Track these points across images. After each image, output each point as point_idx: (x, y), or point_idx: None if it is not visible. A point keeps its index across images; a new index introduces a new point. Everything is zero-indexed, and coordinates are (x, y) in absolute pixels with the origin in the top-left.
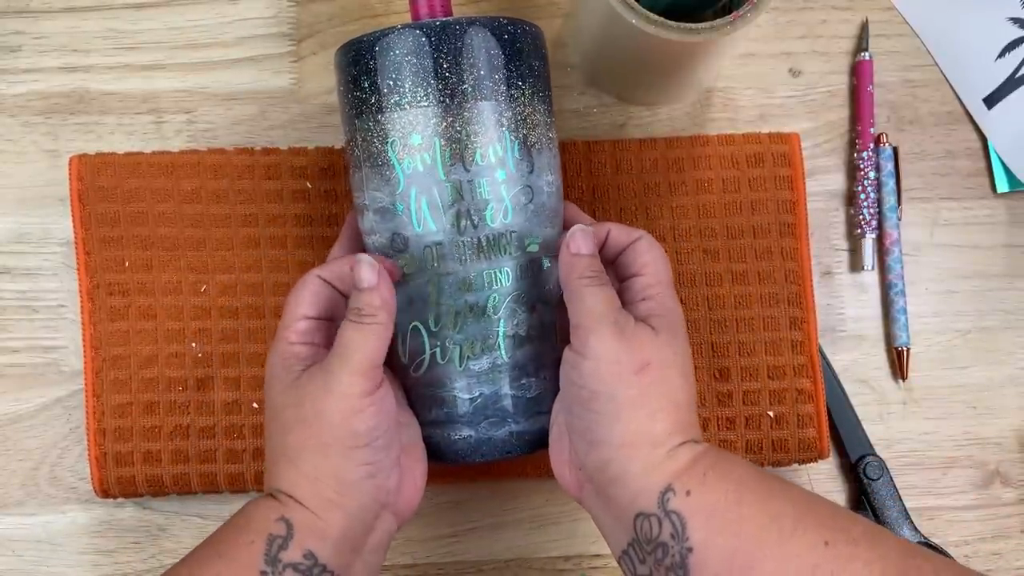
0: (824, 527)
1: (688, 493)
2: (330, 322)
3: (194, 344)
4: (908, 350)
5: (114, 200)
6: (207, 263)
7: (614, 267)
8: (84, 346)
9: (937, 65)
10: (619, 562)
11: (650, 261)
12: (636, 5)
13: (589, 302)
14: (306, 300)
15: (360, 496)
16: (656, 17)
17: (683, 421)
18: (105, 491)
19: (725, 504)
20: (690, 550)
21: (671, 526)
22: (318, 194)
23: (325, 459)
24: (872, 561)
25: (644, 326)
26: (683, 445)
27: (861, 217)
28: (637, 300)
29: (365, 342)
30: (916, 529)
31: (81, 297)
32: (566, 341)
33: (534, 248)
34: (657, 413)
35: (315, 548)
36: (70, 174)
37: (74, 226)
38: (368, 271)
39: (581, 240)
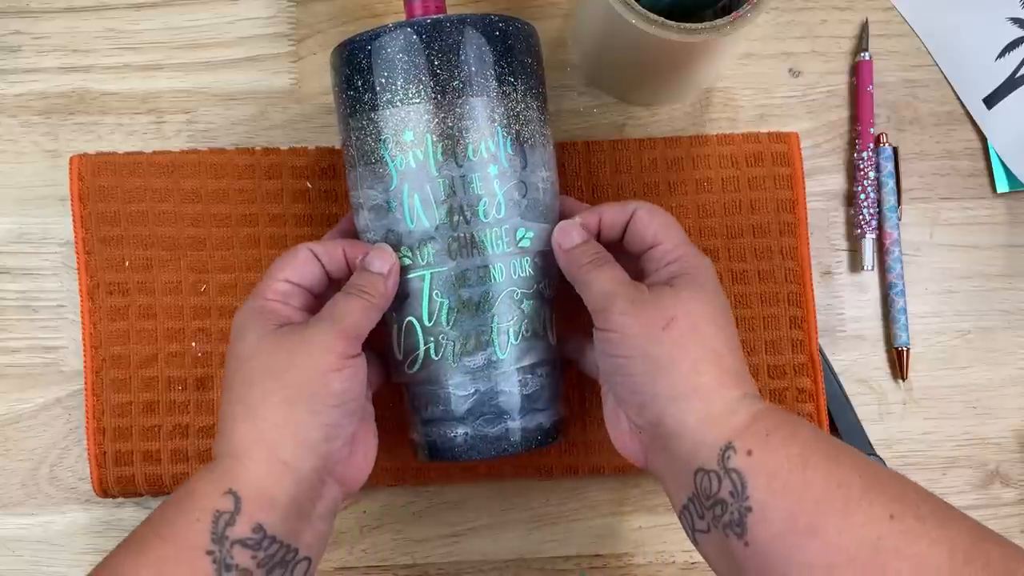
0: (892, 500)
1: (749, 452)
2: (309, 293)
3: (194, 343)
4: (908, 350)
5: (114, 200)
6: (207, 263)
7: (624, 244)
8: (84, 346)
9: (937, 65)
10: (680, 517)
11: (660, 227)
12: (636, 5)
13: (596, 285)
14: (291, 266)
15: (313, 459)
16: (656, 17)
17: (730, 371)
18: (105, 491)
19: (789, 467)
20: (749, 509)
21: (731, 484)
22: (318, 194)
23: (288, 414)
24: (939, 540)
25: (662, 287)
26: (743, 400)
27: (861, 217)
28: (662, 267)
29: (356, 310)
30: None
31: (81, 297)
32: (559, 338)
33: (527, 244)
34: (699, 364)
35: (264, 520)
36: (70, 174)
37: (74, 226)
38: (383, 259)
39: (572, 232)
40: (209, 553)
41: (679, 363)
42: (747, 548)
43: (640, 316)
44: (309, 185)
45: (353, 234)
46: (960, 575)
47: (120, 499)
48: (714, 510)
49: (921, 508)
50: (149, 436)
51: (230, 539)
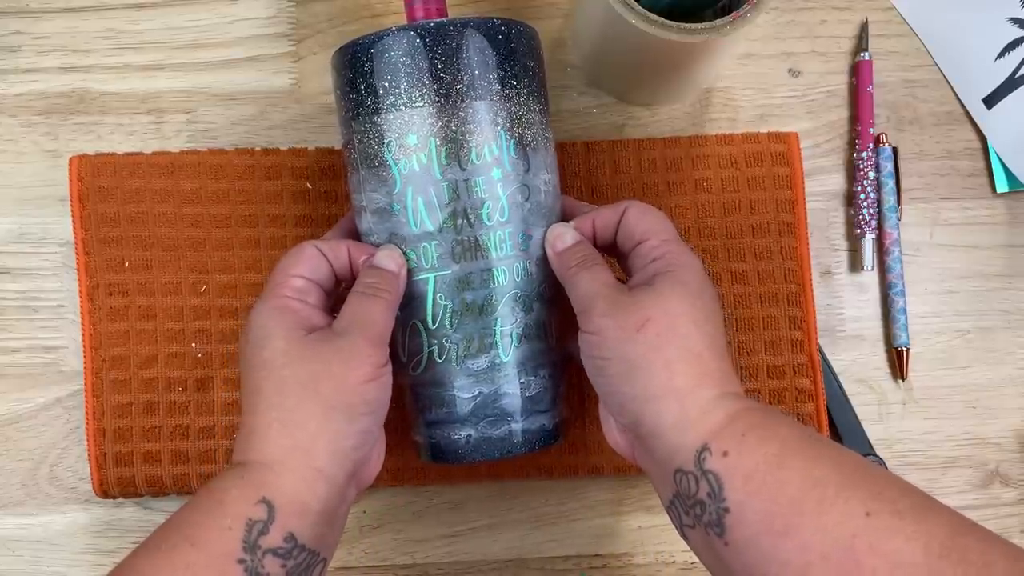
0: (869, 497)
1: (725, 454)
2: (322, 290)
3: (194, 344)
4: (908, 350)
5: (114, 200)
6: (207, 263)
7: (617, 244)
8: (84, 346)
9: (937, 65)
10: (668, 513)
11: (648, 226)
12: (636, 5)
13: (581, 286)
14: (301, 262)
15: (345, 465)
16: (656, 17)
17: (709, 371)
18: (105, 492)
19: (766, 467)
20: (726, 510)
21: (708, 486)
22: (318, 195)
23: (326, 424)
24: (915, 536)
25: (642, 287)
26: (720, 399)
27: (861, 217)
28: (647, 263)
29: (378, 312)
30: None
31: (81, 298)
32: (562, 340)
33: (529, 247)
34: (674, 364)
35: (296, 529)
36: (70, 174)
37: (74, 226)
38: (393, 258)
39: (565, 234)
40: (240, 562)
41: (653, 364)
42: (727, 547)
43: (617, 318)
44: (309, 186)
45: (354, 234)
46: (936, 569)
47: (120, 499)
48: (695, 510)
49: (900, 504)
50: (149, 437)
51: (262, 548)
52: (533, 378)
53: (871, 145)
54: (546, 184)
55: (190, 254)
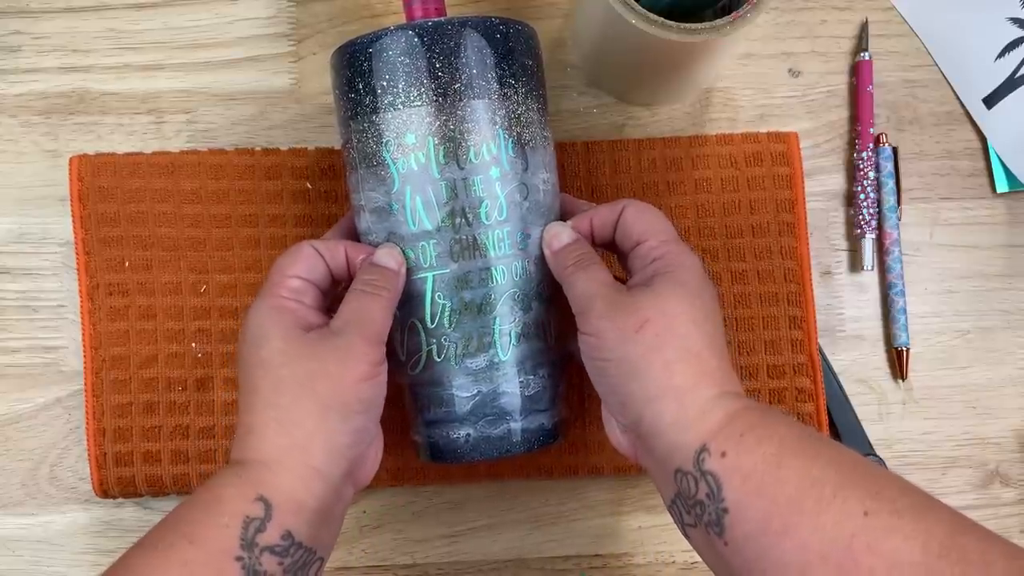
0: (867, 496)
1: (724, 454)
2: (318, 290)
3: (194, 344)
4: (908, 350)
5: (114, 200)
6: (207, 263)
7: (616, 244)
8: (84, 346)
9: (937, 65)
10: (669, 512)
11: (647, 226)
12: (636, 5)
13: (578, 286)
14: (298, 262)
15: (341, 463)
16: (656, 17)
17: (709, 371)
18: (105, 491)
19: (764, 467)
20: (725, 511)
21: (707, 486)
22: (318, 195)
23: (321, 422)
24: (913, 535)
25: (640, 288)
26: (719, 399)
27: (861, 217)
28: (647, 264)
29: (377, 310)
30: None
31: (81, 297)
32: (560, 339)
33: (528, 246)
34: (673, 364)
35: (293, 526)
36: (70, 174)
37: (74, 226)
38: (393, 256)
39: (560, 234)
40: (238, 559)
41: (652, 365)
42: (727, 547)
43: (616, 319)
44: (309, 186)
45: (353, 233)
46: (934, 568)
47: (120, 499)
48: (695, 510)
49: (899, 503)
50: (149, 437)
51: (260, 545)
52: (532, 377)
53: (871, 145)
54: (545, 183)
55: (190, 254)
